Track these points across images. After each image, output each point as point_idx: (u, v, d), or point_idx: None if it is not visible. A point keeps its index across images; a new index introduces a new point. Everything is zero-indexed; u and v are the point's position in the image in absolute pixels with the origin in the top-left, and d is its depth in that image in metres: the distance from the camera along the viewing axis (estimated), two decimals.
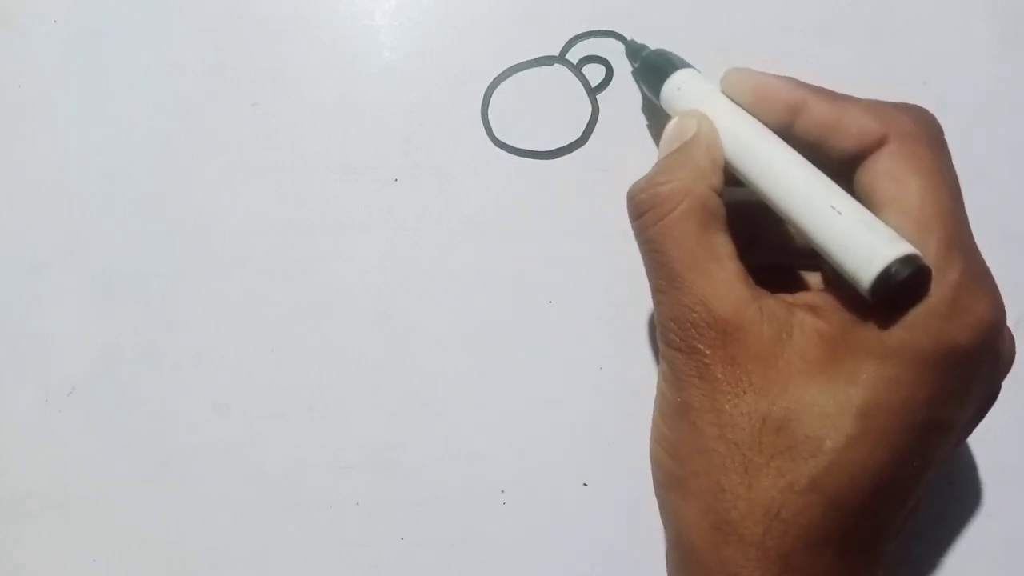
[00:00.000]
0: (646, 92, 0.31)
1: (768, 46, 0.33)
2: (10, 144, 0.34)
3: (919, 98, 0.33)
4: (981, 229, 0.32)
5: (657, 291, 0.24)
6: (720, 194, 0.24)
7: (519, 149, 0.33)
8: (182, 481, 0.32)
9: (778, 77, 0.25)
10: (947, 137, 0.32)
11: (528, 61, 0.33)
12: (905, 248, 0.21)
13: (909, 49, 0.33)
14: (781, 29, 0.33)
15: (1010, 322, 0.32)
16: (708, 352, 0.23)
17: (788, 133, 0.25)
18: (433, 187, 0.33)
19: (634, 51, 0.31)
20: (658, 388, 0.25)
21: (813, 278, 0.28)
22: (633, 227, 0.25)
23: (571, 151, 0.33)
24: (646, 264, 0.25)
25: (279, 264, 0.33)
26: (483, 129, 0.33)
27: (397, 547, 0.31)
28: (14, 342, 0.33)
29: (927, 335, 0.21)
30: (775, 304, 0.23)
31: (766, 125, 0.25)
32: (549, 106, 0.33)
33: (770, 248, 0.28)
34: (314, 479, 0.32)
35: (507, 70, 0.33)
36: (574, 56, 0.33)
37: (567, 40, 0.33)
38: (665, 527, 0.25)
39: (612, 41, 0.33)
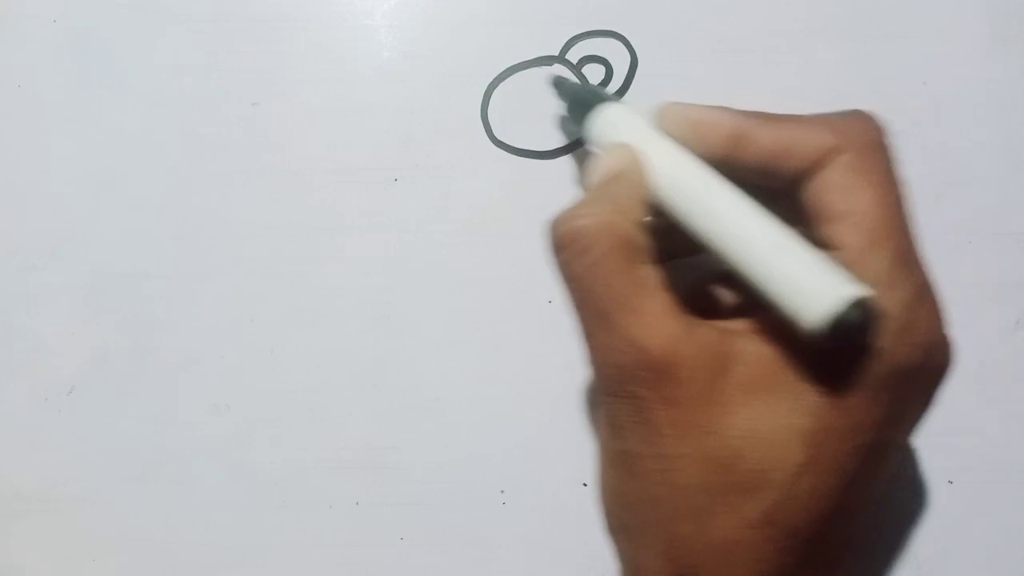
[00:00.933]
0: (572, 129, 0.30)
1: (767, 46, 0.33)
2: (8, 144, 0.34)
3: (919, 98, 0.33)
4: (981, 229, 0.32)
5: (587, 334, 0.23)
6: (645, 229, 0.23)
7: (519, 149, 0.33)
8: (181, 482, 0.32)
9: (715, 108, 0.24)
10: (946, 137, 0.33)
11: (528, 61, 0.33)
12: (857, 290, 0.20)
13: (909, 49, 0.33)
14: (780, 29, 0.33)
15: (1010, 322, 0.32)
16: (644, 395, 0.21)
17: (728, 163, 0.23)
18: (433, 187, 0.33)
19: (561, 86, 0.30)
20: (599, 434, 0.24)
21: (729, 287, 0.26)
22: (554, 262, 0.24)
23: (571, 151, 0.33)
24: (572, 303, 0.23)
25: (278, 265, 0.33)
26: (483, 129, 0.33)
27: (397, 547, 0.31)
28: (12, 343, 0.33)
29: (875, 358, 0.21)
30: (710, 333, 0.22)
31: (707, 158, 0.24)
32: (549, 106, 0.33)
33: (699, 271, 0.27)
34: (313, 479, 0.32)
35: (507, 70, 0.33)
36: (574, 56, 0.33)
37: (567, 40, 0.33)
38: (622, 571, 0.25)
39: (612, 41, 0.33)
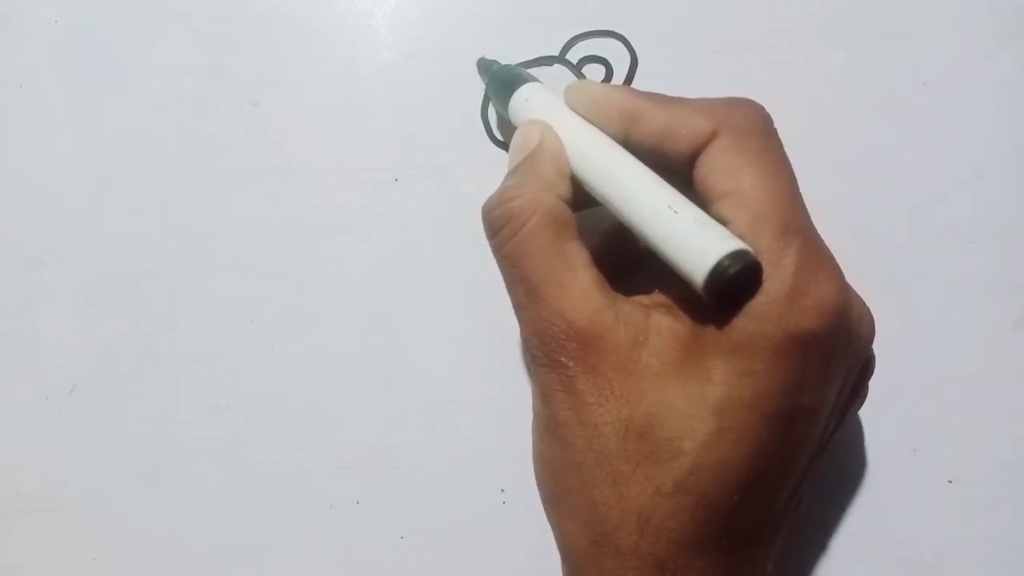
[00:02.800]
0: (497, 108, 0.31)
1: (766, 46, 0.33)
2: (10, 144, 0.34)
3: (919, 98, 0.33)
4: (981, 229, 0.32)
5: (518, 308, 0.24)
6: (569, 203, 0.25)
7: None
8: (181, 481, 0.32)
9: (614, 87, 0.26)
10: (946, 137, 0.33)
11: (528, 61, 0.33)
12: (734, 244, 0.21)
13: (909, 49, 0.33)
14: (779, 29, 0.33)
15: (1010, 323, 0.32)
16: (570, 364, 0.23)
17: (627, 142, 0.25)
18: (433, 187, 0.33)
19: (485, 66, 0.31)
20: (532, 407, 0.25)
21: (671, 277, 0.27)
22: (490, 245, 0.25)
23: None
24: (506, 281, 0.25)
25: (278, 265, 0.33)
26: (483, 129, 0.33)
27: (397, 547, 0.31)
28: (14, 343, 0.33)
29: (771, 323, 0.21)
30: (631, 308, 0.23)
31: (607, 135, 0.25)
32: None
33: (624, 251, 0.28)
34: (314, 479, 0.32)
35: None
36: (574, 56, 0.33)
37: (567, 40, 0.33)
38: (556, 542, 0.25)
39: (612, 41, 0.33)
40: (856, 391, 0.26)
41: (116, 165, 0.33)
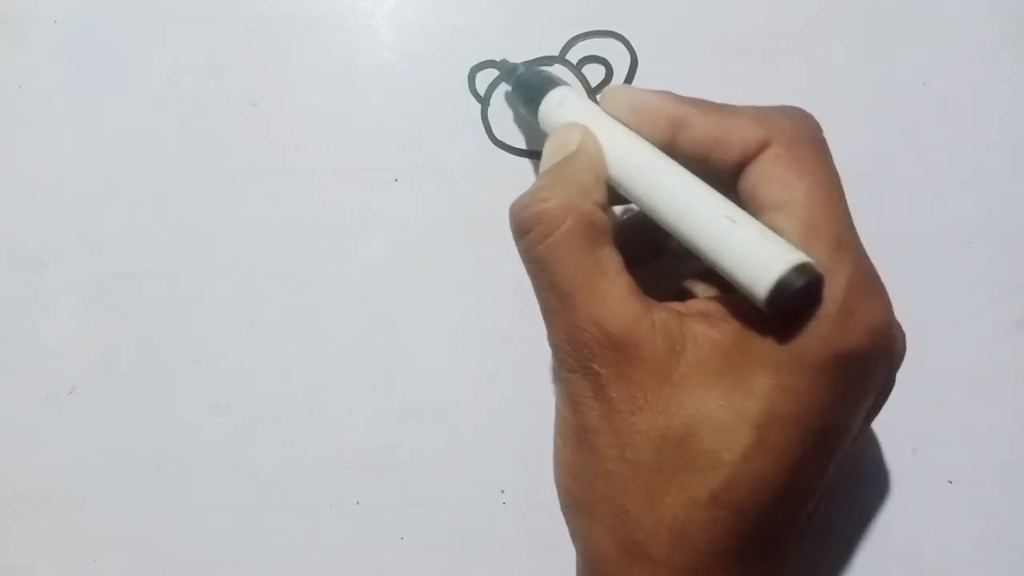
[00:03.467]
0: (523, 111, 0.30)
1: (767, 46, 0.33)
2: (10, 145, 0.34)
3: (919, 98, 0.33)
4: (981, 229, 0.32)
5: (548, 312, 0.24)
6: (604, 208, 0.24)
7: (519, 149, 0.33)
8: (181, 481, 0.32)
9: (657, 92, 0.25)
10: (946, 137, 0.33)
11: (528, 61, 0.33)
12: (798, 256, 0.20)
13: (909, 49, 0.33)
14: (780, 29, 0.33)
15: (1010, 323, 0.32)
16: (603, 372, 0.22)
17: (670, 149, 0.24)
18: (433, 187, 0.33)
19: (508, 70, 0.30)
20: (557, 411, 0.25)
21: (702, 285, 0.27)
22: (518, 246, 0.24)
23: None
24: (535, 284, 0.24)
25: (279, 265, 0.33)
26: (483, 129, 0.33)
27: (397, 547, 0.31)
28: (14, 343, 0.33)
29: (820, 341, 0.21)
30: (667, 316, 0.22)
31: (649, 142, 0.24)
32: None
33: (657, 256, 0.27)
34: (314, 479, 0.32)
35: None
36: (574, 56, 0.33)
37: (567, 40, 0.33)
38: (576, 550, 0.25)
39: (612, 41, 0.33)
40: (876, 409, 0.26)
41: (116, 165, 0.33)
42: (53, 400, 0.32)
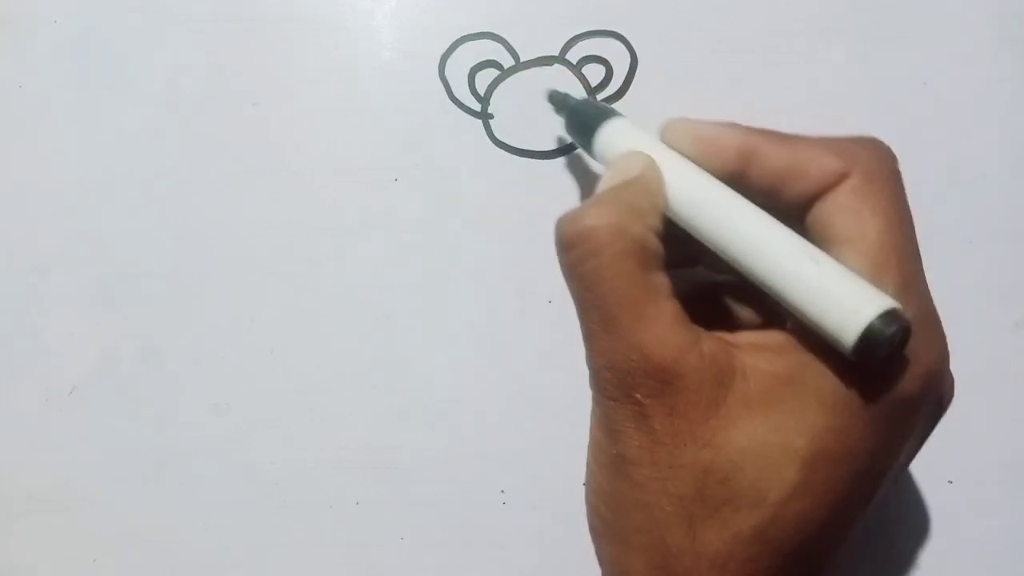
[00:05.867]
0: (578, 143, 0.29)
1: (767, 46, 0.33)
2: (11, 145, 0.34)
3: (919, 98, 0.33)
4: (981, 229, 0.32)
5: (590, 335, 0.23)
6: (659, 236, 0.23)
7: (519, 149, 0.33)
8: (182, 481, 0.32)
9: (723, 124, 0.24)
10: (946, 137, 0.33)
11: (528, 61, 0.33)
12: (887, 303, 0.20)
13: (909, 49, 0.33)
14: (780, 29, 0.33)
15: (1010, 323, 0.32)
16: (646, 402, 0.21)
17: (737, 182, 0.23)
18: (433, 187, 0.33)
19: (560, 100, 0.29)
20: (591, 435, 0.24)
21: (747, 309, 0.26)
22: (560, 260, 0.23)
23: (571, 151, 0.33)
24: (577, 304, 0.23)
25: (279, 265, 0.33)
26: (483, 129, 0.33)
27: (397, 547, 0.31)
28: (15, 343, 0.33)
29: (878, 385, 0.21)
30: (716, 346, 0.22)
31: (715, 175, 0.23)
32: (549, 106, 0.33)
33: (690, 264, 0.27)
34: (314, 479, 0.32)
35: (507, 70, 0.33)
36: (574, 56, 0.33)
37: (567, 40, 0.33)
38: (604, 571, 0.25)
39: (612, 41, 0.33)
40: (917, 450, 0.25)
41: (116, 165, 0.33)
42: (53, 400, 0.32)
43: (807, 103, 0.33)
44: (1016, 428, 0.31)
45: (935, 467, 0.31)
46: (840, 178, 0.22)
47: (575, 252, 0.22)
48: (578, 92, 0.33)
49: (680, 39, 0.33)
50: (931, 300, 0.22)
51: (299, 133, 0.33)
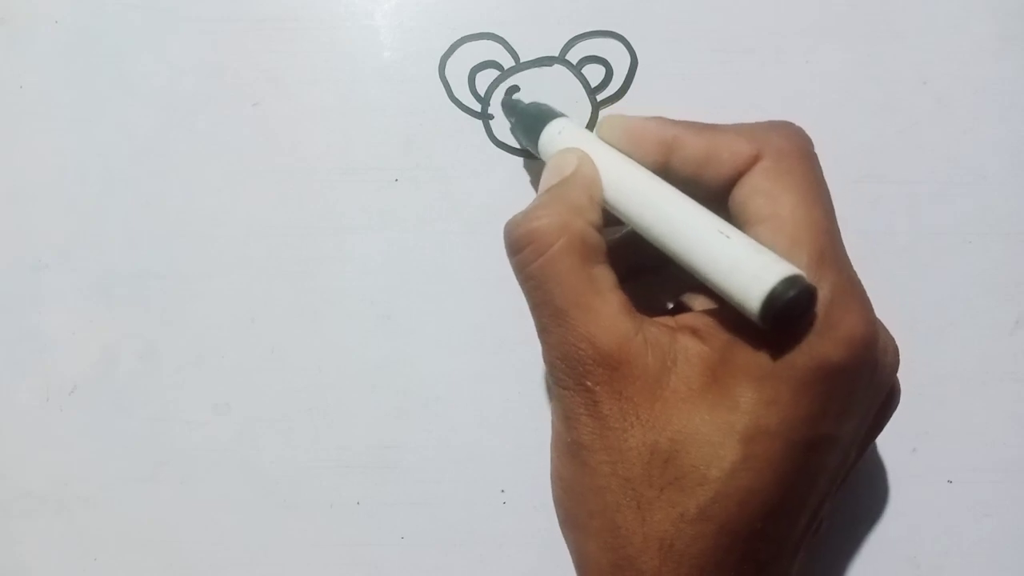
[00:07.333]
0: (526, 144, 0.31)
1: (768, 46, 0.33)
2: (11, 145, 0.34)
3: (919, 98, 0.33)
4: (981, 229, 0.32)
5: (542, 330, 0.24)
6: (599, 229, 0.24)
7: (519, 149, 0.33)
8: (182, 481, 0.32)
9: (649, 118, 0.25)
10: (946, 137, 0.33)
11: (528, 61, 0.33)
12: (789, 268, 0.21)
13: (909, 49, 0.33)
14: (781, 29, 0.33)
15: (1010, 323, 0.32)
16: (596, 389, 0.22)
17: (665, 171, 0.25)
18: (433, 187, 0.33)
19: (511, 105, 0.31)
20: (552, 427, 0.25)
21: (698, 298, 0.27)
22: (512, 263, 0.25)
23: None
24: (529, 302, 0.24)
25: (279, 265, 0.33)
26: (483, 129, 0.33)
27: (397, 547, 0.31)
28: (15, 342, 0.33)
29: (800, 353, 0.21)
30: (658, 332, 0.23)
31: (644, 165, 0.25)
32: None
33: (649, 273, 0.28)
34: (314, 479, 0.32)
35: (507, 70, 0.33)
36: (574, 56, 0.33)
37: (567, 40, 0.33)
38: (573, 563, 0.25)
39: (612, 41, 0.33)
40: (879, 420, 0.26)
41: (117, 165, 0.33)
42: (54, 400, 0.32)
43: (807, 103, 0.33)
44: (1016, 428, 0.31)
45: (935, 467, 0.31)
46: (753, 161, 0.23)
47: (523, 254, 0.24)
48: (578, 92, 0.33)
49: (680, 39, 0.33)
50: (852, 270, 0.23)
51: (299, 133, 0.33)
